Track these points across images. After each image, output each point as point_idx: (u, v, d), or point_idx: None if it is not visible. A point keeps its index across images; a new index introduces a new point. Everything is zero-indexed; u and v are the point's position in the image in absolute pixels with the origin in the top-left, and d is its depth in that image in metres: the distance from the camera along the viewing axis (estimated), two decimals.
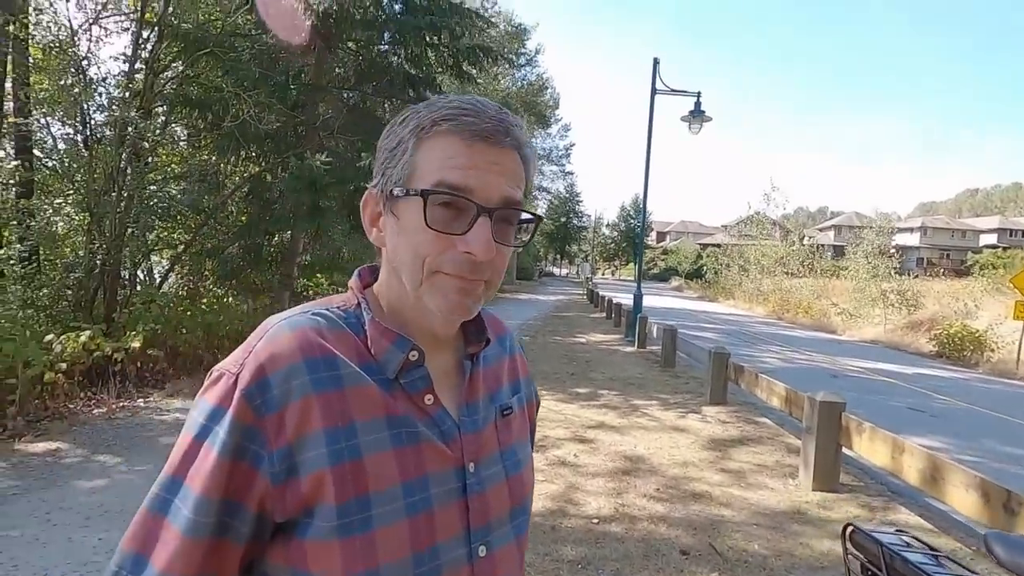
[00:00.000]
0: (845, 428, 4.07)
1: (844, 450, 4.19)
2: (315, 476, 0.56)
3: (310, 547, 0.56)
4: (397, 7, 8.82)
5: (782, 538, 3.38)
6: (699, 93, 11.94)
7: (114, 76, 7.88)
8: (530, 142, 0.66)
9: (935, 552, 1.57)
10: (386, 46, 9.03)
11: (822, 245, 35.84)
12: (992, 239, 58.25)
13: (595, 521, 3.47)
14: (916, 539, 1.65)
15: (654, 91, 12.05)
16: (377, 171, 0.65)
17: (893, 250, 25.34)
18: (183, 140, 9.31)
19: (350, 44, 9.00)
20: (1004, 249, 48.75)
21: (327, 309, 0.65)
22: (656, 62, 11.99)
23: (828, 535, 3.45)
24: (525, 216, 0.65)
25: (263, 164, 8.88)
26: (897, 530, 1.72)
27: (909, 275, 23.03)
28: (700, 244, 62.10)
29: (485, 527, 0.65)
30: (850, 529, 1.72)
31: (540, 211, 50.77)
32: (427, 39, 8.62)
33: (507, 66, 27.38)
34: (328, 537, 0.56)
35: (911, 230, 60.41)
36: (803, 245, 30.23)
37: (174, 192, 8.11)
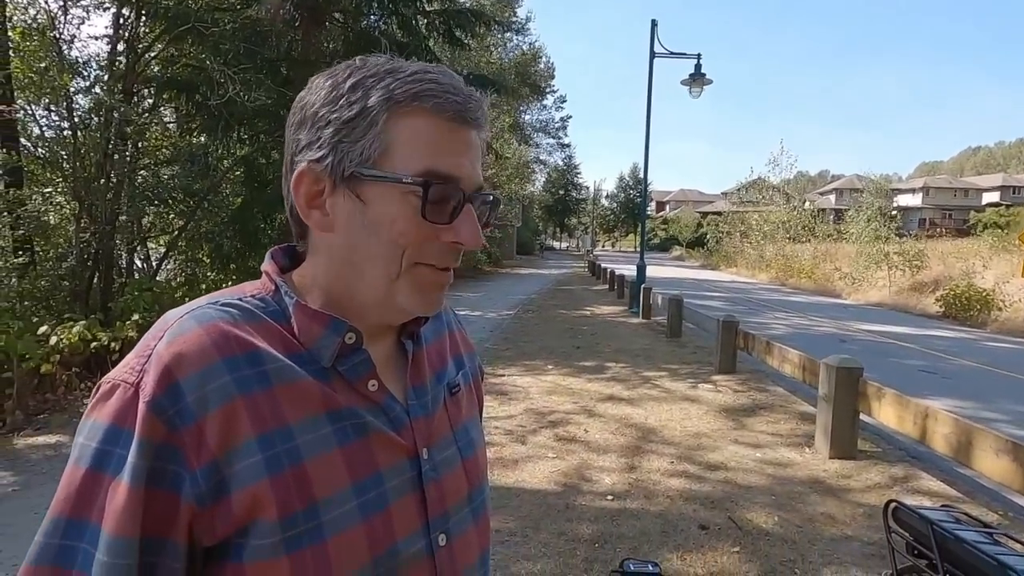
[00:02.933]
0: (863, 394, 3.97)
1: (861, 416, 4.10)
2: (251, 490, 0.49)
3: (251, 569, 0.50)
4: None
5: (802, 509, 3.30)
6: (699, 55, 11.59)
7: (95, 58, 7.63)
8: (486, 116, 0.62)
9: (989, 529, 1.46)
10: (375, 16, 8.71)
11: (824, 209, 35.49)
12: (995, 197, 57.61)
13: (610, 497, 3.39)
14: (966, 515, 1.54)
15: (652, 54, 11.70)
16: (318, 141, 0.56)
17: (894, 211, 25.06)
18: (171, 123, 9.06)
19: (337, 16, 8.68)
20: (1007, 207, 48.27)
21: (239, 299, 0.57)
22: (654, 24, 11.62)
23: (849, 505, 3.37)
24: (490, 198, 0.61)
25: (255, 145, 8.65)
26: (943, 505, 1.61)
27: (911, 236, 22.83)
28: (700, 212, 61.55)
29: (443, 515, 0.61)
30: (893, 506, 1.61)
31: (538, 184, 50.47)
32: (417, 4, 8.31)
33: (499, 36, 26.76)
34: (273, 555, 0.50)
35: (913, 191, 59.77)
36: (804, 210, 29.95)
37: (165, 176, 7.91)
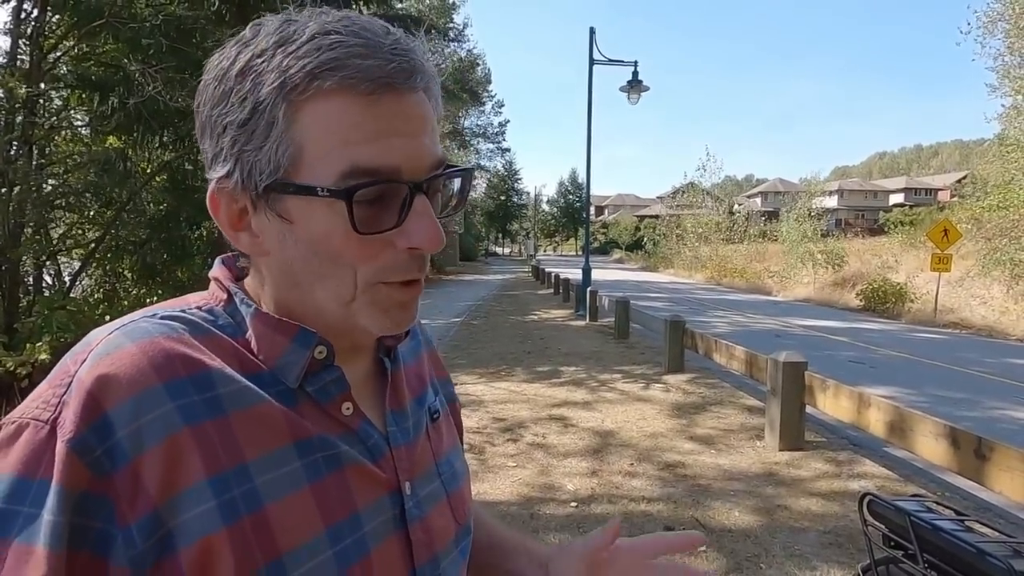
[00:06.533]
0: (809, 387, 4.11)
1: (806, 408, 4.25)
2: (202, 545, 0.40)
3: None
4: None
5: (759, 502, 3.36)
6: (636, 63, 11.90)
7: None
8: (432, 66, 0.47)
9: (961, 516, 1.49)
10: None
11: (753, 212, 37.42)
12: (900, 198, 62.67)
13: (574, 504, 3.33)
14: (938, 503, 1.57)
15: (591, 61, 11.91)
16: (221, 153, 0.45)
17: (817, 212, 26.74)
18: (82, 125, 8.36)
19: (267, 14, 8.30)
20: (911, 207, 52.47)
21: (182, 311, 0.47)
22: (592, 31, 11.85)
23: (802, 494, 3.47)
24: (454, 171, 0.48)
25: (179, 149, 8.12)
26: (914, 495, 1.65)
27: (830, 235, 24.43)
28: (637, 216, 63.48)
29: (432, 561, 0.52)
30: (868, 499, 1.62)
31: (480, 190, 50.14)
32: (352, 6, 8.08)
33: (437, 43, 26.63)
34: None
35: (829, 193, 63.91)
36: (733, 214, 31.51)
37: (76, 183, 7.29)
